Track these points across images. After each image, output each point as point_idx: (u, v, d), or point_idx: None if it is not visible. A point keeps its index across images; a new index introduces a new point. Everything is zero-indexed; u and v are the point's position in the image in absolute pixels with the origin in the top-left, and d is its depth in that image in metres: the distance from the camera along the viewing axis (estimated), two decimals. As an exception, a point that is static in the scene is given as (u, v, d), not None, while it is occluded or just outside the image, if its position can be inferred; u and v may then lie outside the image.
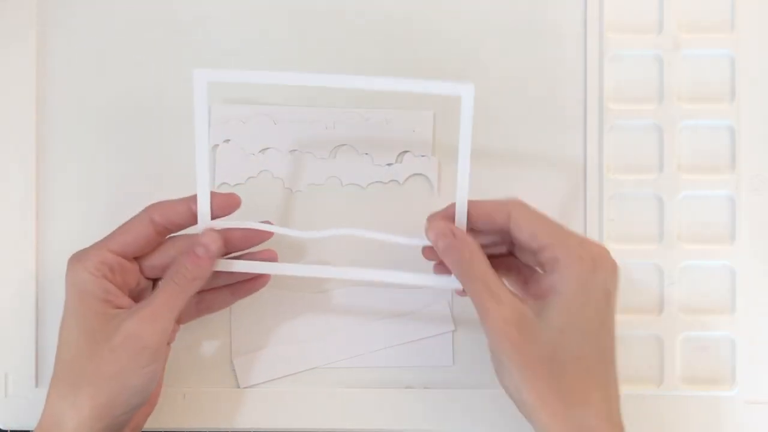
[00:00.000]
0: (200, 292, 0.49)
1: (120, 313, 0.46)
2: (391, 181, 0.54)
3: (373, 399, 0.53)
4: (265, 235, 0.49)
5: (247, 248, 0.49)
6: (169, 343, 0.50)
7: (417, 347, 0.54)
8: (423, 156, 0.54)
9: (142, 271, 0.49)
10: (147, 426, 0.53)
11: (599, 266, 0.44)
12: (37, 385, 0.54)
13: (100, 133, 0.54)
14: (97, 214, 0.54)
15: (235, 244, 0.49)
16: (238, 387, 0.54)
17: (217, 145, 0.54)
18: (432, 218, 0.47)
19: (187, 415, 0.53)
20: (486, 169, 0.54)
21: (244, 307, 0.54)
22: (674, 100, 0.54)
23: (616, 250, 0.53)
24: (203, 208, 0.47)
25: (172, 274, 0.46)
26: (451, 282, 0.47)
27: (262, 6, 0.54)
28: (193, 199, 0.47)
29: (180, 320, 0.50)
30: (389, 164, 0.54)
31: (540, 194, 0.52)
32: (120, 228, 0.48)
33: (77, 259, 0.47)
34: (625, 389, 0.53)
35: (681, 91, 0.54)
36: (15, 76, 0.54)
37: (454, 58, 0.54)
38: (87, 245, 0.53)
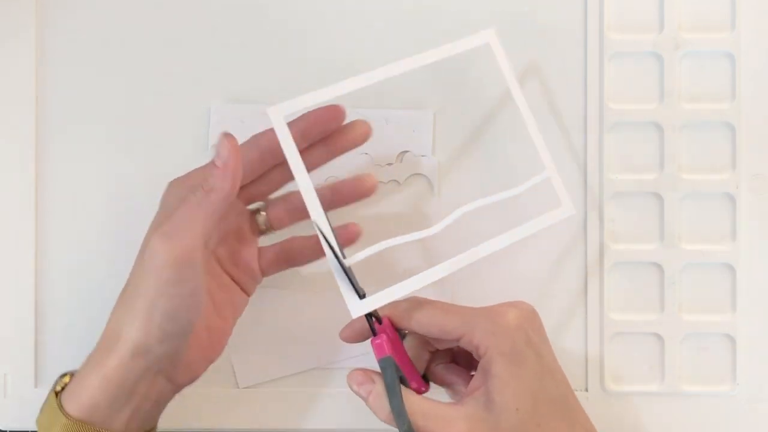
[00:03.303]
0: (285, 241, 0.48)
1: None
2: (391, 181, 0.54)
3: (373, 399, 0.53)
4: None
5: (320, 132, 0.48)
6: (248, 293, 0.49)
7: (417, 347, 0.54)
8: (423, 156, 0.54)
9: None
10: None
11: (513, 329, 0.43)
12: (36, 386, 0.54)
13: (100, 133, 0.54)
14: (97, 213, 0.54)
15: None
16: (238, 387, 0.54)
17: (216, 145, 0.54)
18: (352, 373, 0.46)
19: (187, 415, 0.53)
20: (486, 170, 0.54)
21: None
22: (674, 99, 0.54)
23: (616, 250, 0.54)
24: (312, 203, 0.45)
25: (191, 187, 0.44)
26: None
27: (261, 4, 0.54)
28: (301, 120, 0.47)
29: (264, 271, 0.49)
30: (389, 164, 0.54)
31: (540, 195, 0.52)
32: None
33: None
34: (625, 389, 0.54)
35: (681, 91, 0.54)
36: (15, 76, 0.54)
37: (455, 57, 0.54)
38: (86, 245, 0.54)
